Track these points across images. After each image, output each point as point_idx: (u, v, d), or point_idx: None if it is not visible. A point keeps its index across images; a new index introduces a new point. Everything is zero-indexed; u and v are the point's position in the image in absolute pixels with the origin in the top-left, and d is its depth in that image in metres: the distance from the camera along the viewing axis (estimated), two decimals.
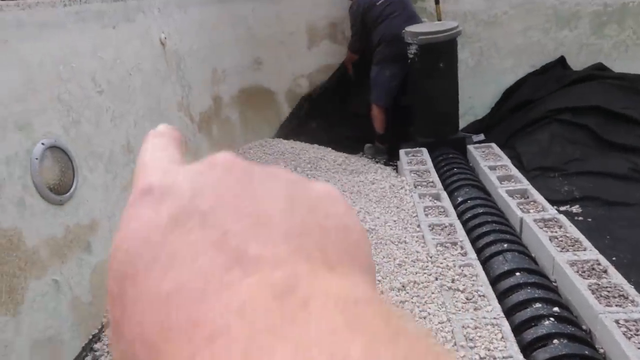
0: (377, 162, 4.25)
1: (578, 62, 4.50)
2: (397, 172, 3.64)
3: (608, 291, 1.95)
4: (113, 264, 0.19)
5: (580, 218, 3.09)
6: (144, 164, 0.23)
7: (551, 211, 2.61)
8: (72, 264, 2.04)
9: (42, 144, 2.04)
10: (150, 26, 3.07)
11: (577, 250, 2.23)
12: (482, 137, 4.27)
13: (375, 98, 4.23)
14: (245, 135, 4.21)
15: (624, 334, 1.72)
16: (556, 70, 4.43)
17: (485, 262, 2.31)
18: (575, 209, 3.19)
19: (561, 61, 4.48)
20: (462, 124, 4.62)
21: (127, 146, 2.62)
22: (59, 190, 2.08)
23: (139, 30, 2.95)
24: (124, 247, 0.19)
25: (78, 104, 2.31)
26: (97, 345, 1.98)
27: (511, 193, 2.89)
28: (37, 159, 2.00)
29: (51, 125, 2.13)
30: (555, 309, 1.89)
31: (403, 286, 2.10)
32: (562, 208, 3.22)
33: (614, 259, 2.66)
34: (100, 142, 2.42)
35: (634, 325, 1.75)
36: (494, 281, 2.15)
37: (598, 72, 4.30)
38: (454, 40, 3.61)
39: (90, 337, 2.03)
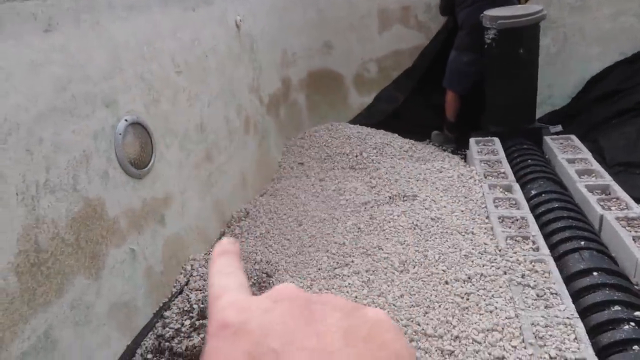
0: (444, 151, 4.14)
1: None
2: (465, 161, 3.53)
3: None
4: None
5: None
6: (217, 295, 0.28)
7: (636, 209, 2.43)
8: (147, 235, 2.16)
9: (125, 120, 2.16)
10: (227, 8, 3.14)
11: None
12: (559, 128, 4.04)
13: (449, 83, 4.11)
14: (312, 119, 4.24)
15: None
16: None
17: (559, 259, 2.19)
18: None
19: None
20: (538, 113, 4.37)
21: (201, 125, 2.72)
22: (138, 164, 2.20)
23: (217, 12, 3.03)
24: None
25: (158, 83, 2.42)
26: (167, 313, 2.09)
27: (591, 188, 2.72)
28: (120, 134, 2.12)
29: (134, 103, 2.24)
30: (637, 313, 1.77)
31: (469, 278, 2.04)
32: None
33: None
34: (177, 120, 2.52)
35: None
36: (568, 279, 2.04)
37: None
38: (537, 25, 3.41)
39: (161, 304, 2.14)
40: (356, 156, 3.46)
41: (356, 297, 2.00)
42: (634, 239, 2.18)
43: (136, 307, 2.02)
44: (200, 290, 2.22)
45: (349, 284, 2.10)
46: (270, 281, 2.20)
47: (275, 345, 0.22)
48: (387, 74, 4.57)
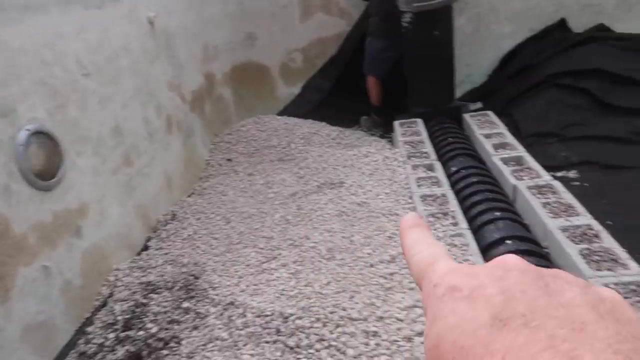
0: (372, 135, 4.21)
1: (579, 24, 4.37)
2: (392, 144, 3.61)
3: (599, 256, 1.93)
4: (440, 350, 0.23)
5: (577, 183, 3.04)
6: (430, 262, 0.29)
7: (545, 177, 2.57)
8: (62, 249, 2.06)
9: (27, 129, 2.04)
10: (137, 5, 3.02)
11: (570, 216, 2.21)
12: (479, 105, 4.20)
13: (367, 68, 4.18)
14: (240, 113, 4.18)
15: None
16: (556, 34, 4.31)
17: (477, 231, 2.29)
18: (572, 174, 3.14)
19: (561, 24, 4.35)
20: (460, 92, 4.54)
21: (116, 129, 2.61)
22: (45, 175, 2.08)
23: (125, 9, 2.91)
24: (450, 338, 0.23)
25: (63, 88, 2.30)
26: (89, 328, 2.01)
27: (506, 161, 2.85)
28: (21, 145, 2.00)
29: (36, 111, 2.12)
30: None
31: (393, 258, 2.10)
32: (559, 174, 3.17)
33: (609, 222, 2.63)
34: (88, 126, 2.41)
35: (623, 289, 1.74)
36: (485, 250, 2.14)
37: (599, 34, 4.17)
38: (450, 6, 3.52)
39: (83, 320, 2.06)
40: (284, 148, 3.45)
41: (283, 289, 2.00)
42: (543, 206, 2.31)
43: (54, 326, 1.93)
44: (126, 300, 2.15)
45: (277, 277, 2.10)
46: (197, 283, 2.16)
47: (521, 309, 0.22)
48: (312, 63, 4.57)
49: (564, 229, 2.11)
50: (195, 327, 1.83)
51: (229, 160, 3.50)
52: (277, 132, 3.62)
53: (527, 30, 4.41)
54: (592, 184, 3.03)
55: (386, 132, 4.19)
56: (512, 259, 0.26)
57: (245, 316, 1.84)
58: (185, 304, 2.01)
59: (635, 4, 4.27)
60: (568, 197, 2.36)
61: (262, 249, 2.35)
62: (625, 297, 1.70)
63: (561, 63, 3.91)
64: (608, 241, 2.00)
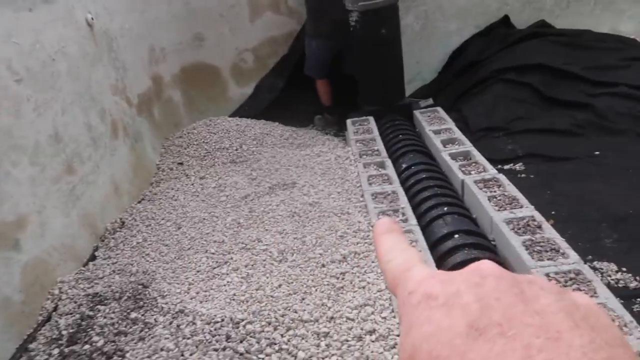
0: (326, 134, 4.22)
1: (521, 20, 4.52)
2: (345, 142, 3.62)
3: (541, 246, 1.99)
4: None
5: (523, 175, 3.14)
6: (405, 268, 0.29)
7: (491, 171, 2.64)
8: None
9: None
10: (73, 6, 2.90)
11: (514, 208, 2.27)
12: (430, 101, 4.26)
13: (307, 69, 4.20)
14: (191, 115, 4.10)
15: None
16: (500, 30, 4.44)
17: (427, 227, 2.33)
18: (519, 166, 3.25)
19: (505, 21, 4.49)
20: (411, 89, 4.62)
21: (55, 136, 2.50)
22: None
23: (61, 11, 2.78)
24: (426, 348, 0.23)
25: None
26: (32, 345, 1.92)
27: (454, 156, 2.91)
28: None
29: None
30: None
31: (344, 257, 2.10)
32: (507, 166, 3.27)
33: (553, 213, 2.73)
34: (23, 134, 2.30)
35: (562, 277, 1.80)
36: (434, 245, 2.18)
37: (541, 30, 4.33)
38: (395, 5, 3.56)
39: (25, 337, 1.96)
40: (236, 149, 3.41)
41: (234, 294, 1.97)
42: (489, 199, 2.37)
43: None
44: (71, 313, 2.07)
45: (228, 282, 2.07)
46: (147, 292, 2.10)
47: (497, 318, 0.22)
48: (264, 63, 4.54)
49: (509, 221, 2.17)
50: (142, 339, 1.77)
51: (180, 164, 3.42)
52: (228, 133, 3.57)
53: (473, 27, 4.53)
54: (538, 176, 3.14)
55: (340, 131, 4.21)
56: (487, 265, 0.26)
57: (194, 324, 1.80)
58: (133, 315, 1.95)
59: (572, 0, 4.46)
60: (512, 190, 2.43)
61: (213, 253, 2.31)
62: (565, 285, 1.76)
63: (505, 59, 4.04)
64: (550, 232, 2.07)
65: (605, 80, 3.66)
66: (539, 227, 2.12)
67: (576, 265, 1.84)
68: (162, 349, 1.67)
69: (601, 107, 3.48)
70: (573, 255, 1.90)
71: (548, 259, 1.90)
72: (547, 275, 1.82)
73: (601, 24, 4.36)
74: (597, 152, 3.22)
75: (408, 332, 0.24)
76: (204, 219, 2.64)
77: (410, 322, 0.25)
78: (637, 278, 2.17)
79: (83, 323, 2.00)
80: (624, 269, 2.23)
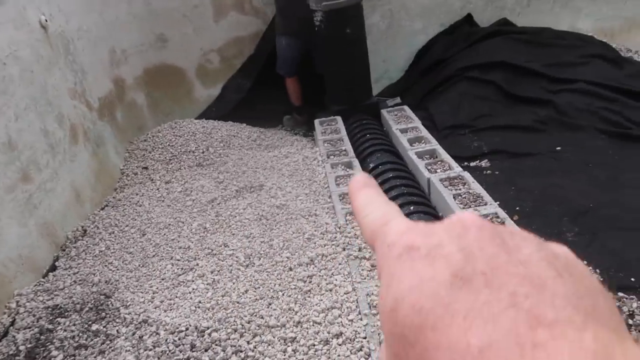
0: (296, 134, 4.20)
1: (484, 19, 4.60)
2: (314, 143, 3.61)
3: None
4: (398, 314, 0.22)
5: (489, 172, 3.19)
6: (383, 222, 0.28)
7: (456, 169, 2.67)
8: None
9: None
10: (25, 8, 2.79)
11: (479, 206, 2.30)
12: (398, 100, 4.29)
13: (278, 67, 4.18)
14: (155, 118, 4.01)
15: None
16: (464, 29, 4.50)
17: None
18: (484, 163, 3.30)
19: (468, 19, 4.55)
20: (378, 88, 4.64)
21: (9, 143, 2.40)
22: None
23: (11, 13, 2.68)
24: (409, 301, 0.22)
25: None
26: None
27: (420, 154, 2.94)
28: None
29: None
30: None
31: (312, 260, 2.09)
32: (472, 164, 3.32)
33: (517, 208, 2.78)
34: None
35: None
36: None
37: (503, 28, 4.41)
38: (359, 4, 3.56)
39: None
40: (202, 152, 3.35)
41: (200, 301, 1.94)
42: (454, 197, 2.39)
43: None
44: (29, 327, 1.99)
45: (193, 289, 2.03)
46: (109, 302, 2.04)
47: (481, 268, 0.22)
48: (230, 63, 4.48)
49: None
50: (102, 352, 1.72)
51: (145, 168, 3.34)
52: (195, 136, 3.50)
53: (438, 26, 4.58)
54: (502, 172, 3.19)
55: (309, 131, 4.19)
56: (468, 216, 0.26)
57: (157, 334, 1.76)
58: (95, 327, 1.89)
59: None
60: (477, 188, 2.46)
61: (178, 260, 2.26)
62: None
63: (469, 57, 4.09)
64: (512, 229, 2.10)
65: (565, 77, 3.75)
66: (502, 223, 2.15)
67: None
68: None
69: (561, 103, 3.56)
70: None
71: None
72: None
73: (560, 21, 4.47)
74: (558, 148, 3.29)
75: (389, 285, 0.24)
76: (170, 224, 2.59)
77: (390, 275, 0.24)
78: (597, 270, 2.22)
79: (42, 337, 1.93)
80: (585, 262, 2.28)
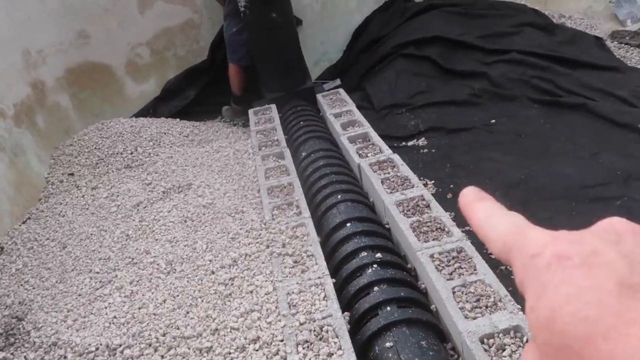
0: (235, 125, 4.09)
1: None
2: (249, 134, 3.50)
3: (428, 226, 1.98)
4: (556, 323, 0.23)
5: (426, 150, 3.16)
6: (516, 231, 0.29)
7: (386, 152, 2.62)
8: None
9: None
10: None
11: (406, 189, 2.26)
12: (338, 82, 4.21)
13: (229, 56, 4.01)
14: (84, 120, 3.82)
15: (436, 267, 1.76)
16: (399, 5, 4.43)
17: (322, 217, 2.27)
18: (422, 141, 3.27)
19: None
20: (318, 71, 4.55)
21: None
22: None
23: None
24: (569, 310, 0.22)
25: None
26: None
27: (353, 139, 2.87)
28: None
29: None
30: (378, 254, 1.90)
31: (234, 261, 2.01)
32: (410, 143, 3.28)
33: (451, 186, 2.77)
34: None
35: (446, 257, 1.80)
36: (327, 236, 2.13)
37: (437, 2, 4.35)
38: None
39: None
40: (131, 153, 3.20)
41: (115, 316, 1.84)
42: (382, 182, 2.34)
43: None
44: None
45: (110, 303, 1.92)
46: (21, 325, 1.92)
47: None
48: (162, 56, 4.30)
49: (399, 203, 2.16)
50: None
51: (71, 174, 3.18)
52: (122, 136, 3.34)
53: (373, 3, 4.49)
54: (439, 150, 3.16)
55: (248, 121, 4.07)
56: (618, 221, 0.26)
57: (65, 358, 1.66)
58: (2, 355, 1.77)
59: None
60: (405, 170, 2.42)
61: (97, 273, 2.15)
62: (447, 265, 1.76)
63: (404, 33, 4.03)
64: (437, 210, 2.07)
65: (498, 47, 3.74)
66: (428, 206, 2.12)
67: (459, 243, 1.85)
68: None
69: (495, 74, 3.55)
70: (457, 233, 1.91)
71: (433, 239, 1.90)
72: (432, 256, 1.81)
73: None
74: (493, 120, 3.29)
75: (541, 295, 0.24)
76: (92, 234, 2.46)
77: (541, 285, 0.24)
78: None
79: None
80: None
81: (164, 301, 1.87)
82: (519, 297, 1.82)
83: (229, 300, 1.81)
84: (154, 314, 1.81)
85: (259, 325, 1.67)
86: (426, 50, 3.88)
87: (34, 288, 2.16)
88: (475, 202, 0.34)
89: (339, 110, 3.27)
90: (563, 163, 2.74)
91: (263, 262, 1.97)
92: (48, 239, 2.52)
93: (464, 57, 3.81)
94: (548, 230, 0.28)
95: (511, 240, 0.29)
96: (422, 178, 2.82)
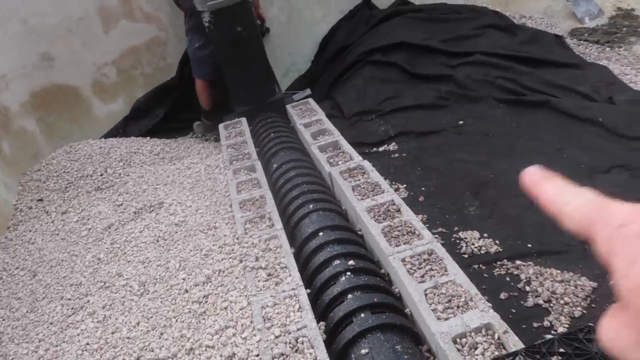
0: (206, 140, 4.07)
1: (384, 0, 4.60)
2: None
3: (399, 230, 2.00)
4: None
5: (397, 155, 3.20)
6: (595, 204, 0.30)
7: (356, 159, 2.64)
8: None
9: None
10: None
11: (376, 195, 2.28)
12: (308, 92, 4.23)
13: (194, 71, 4.00)
14: (52, 144, 3.75)
15: (408, 271, 1.77)
16: (364, 12, 4.49)
17: (295, 228, 2.27)
18: (392, 146, 3.30)
19: (367, 2, 4.54)
20: (288, 82, 4.57)
21: None
22: None
23: None
24: None
25: None
26: None
27: (323, 148, 2.89)
28: None
29: None
30: (351, 262, 1.91)
31: (208, 278, 1.99)
32: (381, 148, 3.32)
33: (423, 189, 2.80)
34: None
35: (417, 260, 1.82)
36: (300, 246, 2.13)
37: (401, 8, 4.43)
38: (247, 0, 3.44)
39: None
40: (101, 175, 3.16)
41: (87, 343, 1.80)
42: (353, 189, 2.36)
43: None
44: None
45: (82, 330, 1.89)
46: None
47: None
48: (129, 75, 4.26)
49: (370, 209, 2.17)
50: None
51: (40, 200, 3.12)
52: (91, 158, 3.30)
53: (338, 12, 4.54)
54: (409, 153, 3.20)
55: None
56: None
57: None
58: None
59: None
60: (375, 176, 2.44)
61: (69, 299, 2.11)
62: (419, 268, 1.78)
63: (370, 40, 4.09)
64: (407, 214, 2.09)
65: (462, 50, 3.82)
66: (398, 210, 2.14)
67: (429, 245, 1.87)
68: None
69: (460, 77, 3.62)
70: (427, 235, 1.93)
71: (405, 243, 1.92)
72: (403, 260, 1.83)
73: None
74: (460, 122, 3.34)
75: (633, 262, 0.25)
76: (62, 260, 2.41)
77: (634, 253, 0.26)
78: (497, 242, 2.26)
79: None
80: (485, 235, 2.32)
81: (138, 324, 1.84)
82: (489, 295, 1.85)
83: (204, 318, 1.80)
84: (128, 338, 1.78)
85: (234, 342, 1.65)
86: (392, 57, 3.93)
87: (3, 320, 2.11)
88: (542, 180, 0.35)
89: (309, 120, 3.29)
90: (528, 160, 2.79)
91: (237, 277, 1.96)
92: (17, 267, 2.46)
93: (429, 62, 3.88)
94: (628, 203, 0.29)
95: (593, 212, 0.30)
96: (393, 182, 2.85)
